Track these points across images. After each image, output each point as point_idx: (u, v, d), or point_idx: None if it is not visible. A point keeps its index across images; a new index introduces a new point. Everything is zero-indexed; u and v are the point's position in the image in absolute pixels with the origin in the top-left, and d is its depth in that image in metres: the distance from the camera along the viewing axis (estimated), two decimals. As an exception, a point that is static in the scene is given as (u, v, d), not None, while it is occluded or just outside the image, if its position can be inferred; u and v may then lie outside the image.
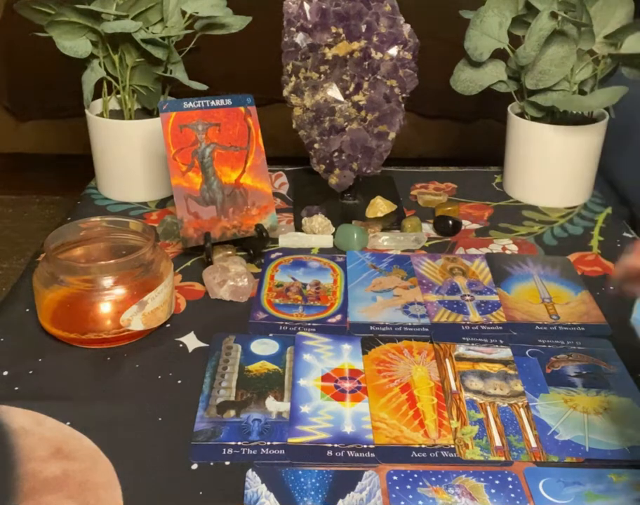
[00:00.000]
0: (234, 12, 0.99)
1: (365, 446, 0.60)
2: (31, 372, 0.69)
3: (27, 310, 0.77)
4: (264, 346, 0.72)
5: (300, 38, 0.91)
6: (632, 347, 0.72)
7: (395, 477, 0.57)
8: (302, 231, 0.94)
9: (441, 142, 1.98)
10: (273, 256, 0.89)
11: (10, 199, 2.22)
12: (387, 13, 0.92)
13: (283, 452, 0.60)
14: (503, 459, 0.59)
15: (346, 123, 0.94)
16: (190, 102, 0.86)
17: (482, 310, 0.79)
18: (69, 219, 0.95)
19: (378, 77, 0.92)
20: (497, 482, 0.57)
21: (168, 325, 0.76)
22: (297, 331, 0.75)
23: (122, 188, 1.02)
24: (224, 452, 0.59)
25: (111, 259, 0.72)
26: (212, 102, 0.87)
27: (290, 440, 0.61)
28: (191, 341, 0.73)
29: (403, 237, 0.92)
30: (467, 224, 0.97)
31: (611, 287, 0.78)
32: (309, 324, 0.76)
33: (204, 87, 0.98)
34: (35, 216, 2.14)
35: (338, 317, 0.77)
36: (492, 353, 0.71)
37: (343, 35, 0.91)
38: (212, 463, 0.58)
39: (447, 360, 0.71)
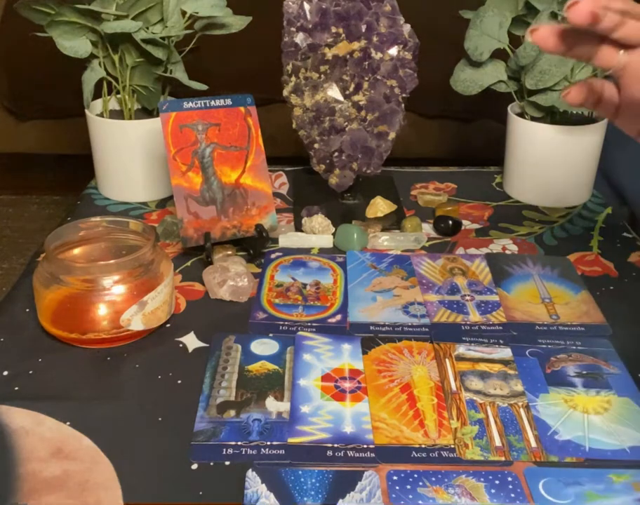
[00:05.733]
0: (234, 12, 0.99)
1: (365, 446, 0.60)
2: (31, 372, 0.69)
3: (27, 310, 0.77)
4: (264, 346, 0.72)
5: (299, 38, 0.91)
6: (632, 347, 0.73)
7: (395, 478, 0.57)
8: (302, 231, 0.94)
9: (440, 142, 1.98)
10: (273, 256, 0.89)
11: (10, 199, 2.22)
12: (387, 13, 0.92)
13: (283, 452, 0.60)
14: (503, 459, 0.59)
15: (346, 123, 0.94)
16: (190, 102, 0.86)
17: (482, 310, 0.79)
18: (69, 219, 0.95)
19: (378, 77, 0.92)
20: (497, 482, 0.57)
21: (168, 325, 0.76)
22: (297, 331, 0.75)
23: (122, 188, 1.02)
24: (224, 452, 0.59)
25: (111, 259, 0.72)
26: (212, 102, 0.87)
27: (290, 440, 0.61)
28: (191, 341, 0.73)
29: (403, 237, 0.92)
30: (467, 224, 0.97)
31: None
32: (309, 324, 0.76)
33: (204, 87, 0.98)
34: (35, 216, 2.14)
35: (338, 317, 0.77)
36: (492, 353, 0.71)
37: (343, 35, 0.91)
38: (212, 463, 0.58)
39: (447, 360, 0.71)
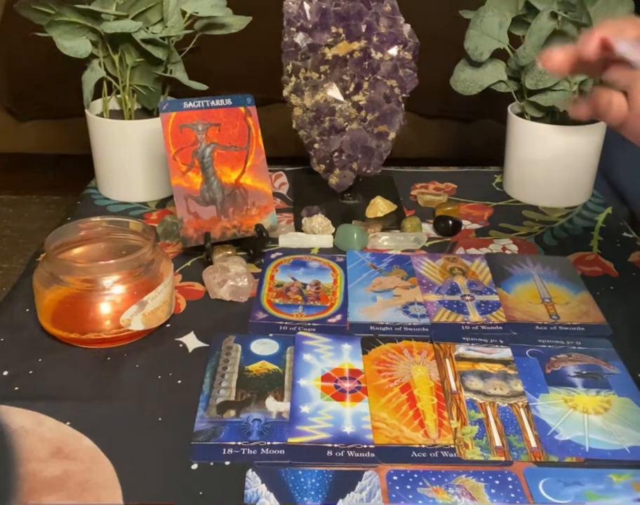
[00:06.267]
0: (234, 12, 0.99)
1: (365, 446, 0.60)
2: (31, 372, 0.69)
3: (27, 310, 0.77)
4: (264, 346, 0.72)
5: (299, 38, 0.91)
6: (632, 347, 0.73)
7: (395, 478, 0.57)
8: (302, 231, 0.94)
9: (440, 142, 1.98)
10: (273, 256, 0.89)
11: (10, 199, 2.22)
12: (387, 13, 0.92)
13: (283, 452, 0.60)
14: (503, 459, 0.59)
15: (346, 123, 0.94)
16: (190, 102, 0.86)
17: (482, 310, 0.79)
18: (69, 219, 0.95)
19: (378, 77, 0.92)
20: (497, 482, 0.57)
21: (168, 325, 0.76)
22: (297, 331, 0.75)
23: (122, 188, 1.02)
24: (224, 452, 0.59)
25: (111, 259, 0.72)
26: (212, 102, 0.87)
27: (290, 440, 0.61)
28: (191, 341, 0.73)
29: (403, 237, 0.92)
30: (467, 224, 0.97)
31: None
32: (309, 324, 0.76)
33: (204, 87, 0.98)
34: (35, 216, 2.14)
35: (338, 317, 0.77)
36: (492, 353, 0.71)
37: (343, 35, 0.91)
38: (212, 463, 0.58)
39: (447, 360, 0.71)
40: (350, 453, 0.59)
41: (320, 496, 0.55)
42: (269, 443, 0.60)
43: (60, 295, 0.71)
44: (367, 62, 0.92)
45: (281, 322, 0.76)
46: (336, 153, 0.95)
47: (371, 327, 0.76)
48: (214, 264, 0.83)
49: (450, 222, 0.94)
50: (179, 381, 0.68)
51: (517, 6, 0.96)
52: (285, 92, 0.94)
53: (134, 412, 0.64)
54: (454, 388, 0.67)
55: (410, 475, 0.57)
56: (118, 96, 1.02)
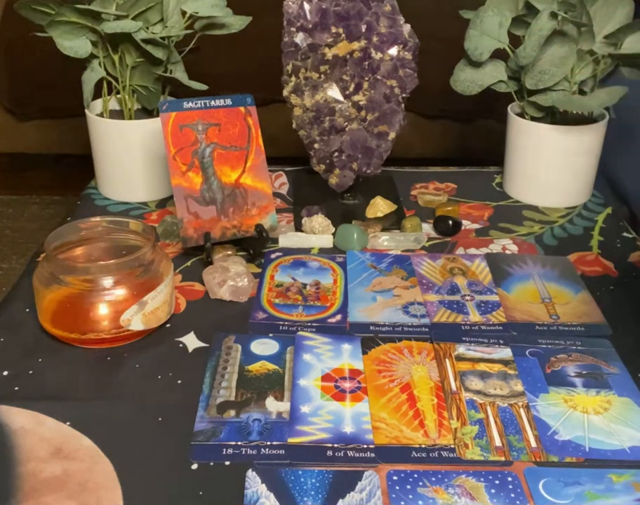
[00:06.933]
0: (234, 12, 0.99)
1: (365, 446, 0.60)
2: (31, 372, 0.69)
3: (27, 310, 0.77)
4: (264, 346, 0.72)
5: (299, 38, 0.91)
6: (632, 347, 0.73)
7: (395, 478, 0.57)
8: (302, 231, 0.94)
9: (440, 142, 1.98)
10: (273, 256, 0.89)
11: (10, 199, 2.22)
12: (387, 13, 0.92)
13: (283, 452, 0.60)
14: (503, 459, 0.59)
15: (346, 123, 0.94)
16: (190, 102, 0.86)
17: (482, 310, 0.79)
18: (69, 219, 0.95)
19: (378, 77, 0.92)
20: (497, 482, 0.57)
21: (168, 325, 0.76)
22: (297, 331, 0.75)
23: (122, 188, 1.02)
24: (224, 452, 0.59)
25: (111, 259, 0.72)
26: (212, 102, 0.87)
27: (290, 440, 0.61)
28: (191, 341, 0.73)
29: (403, 237, 0.92)
30: (467, 224, 0.97)
31: None
32: (309, 324, 0.76)
33: (204, 87, 0.98)
34: (35, 216, 2.14)
35: (338, 317, 0.77)
36: (492, 353, 0.71)
37: (343, 35, 0.91)
38: (212, 463, 0.58)
39: (447, 360, 0.71)
40: (350, 453, 0.59)
41: (320, 496, 0.55)
42: (269, 443, 0.60)
43: (59, 295, 0.71)
44: (367, 62, 0.92)
45: (281, 322, 0.76)
46: (336, 153, 0.95)
47: (371, 327, 0.76)
48: (214, 264, 0.83)
49: (450, 222, 0.94)
50: (179, 381, 0.68)
51: (517, 6, 0.96)
52: (285, 92, 0.94)
53: (134, 412, 0.64)
54: (454, 388, 0.67)
55: (410, 475, 0.57)
56: (118, 96, 1.02)
